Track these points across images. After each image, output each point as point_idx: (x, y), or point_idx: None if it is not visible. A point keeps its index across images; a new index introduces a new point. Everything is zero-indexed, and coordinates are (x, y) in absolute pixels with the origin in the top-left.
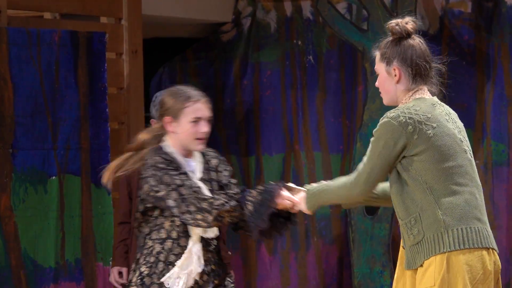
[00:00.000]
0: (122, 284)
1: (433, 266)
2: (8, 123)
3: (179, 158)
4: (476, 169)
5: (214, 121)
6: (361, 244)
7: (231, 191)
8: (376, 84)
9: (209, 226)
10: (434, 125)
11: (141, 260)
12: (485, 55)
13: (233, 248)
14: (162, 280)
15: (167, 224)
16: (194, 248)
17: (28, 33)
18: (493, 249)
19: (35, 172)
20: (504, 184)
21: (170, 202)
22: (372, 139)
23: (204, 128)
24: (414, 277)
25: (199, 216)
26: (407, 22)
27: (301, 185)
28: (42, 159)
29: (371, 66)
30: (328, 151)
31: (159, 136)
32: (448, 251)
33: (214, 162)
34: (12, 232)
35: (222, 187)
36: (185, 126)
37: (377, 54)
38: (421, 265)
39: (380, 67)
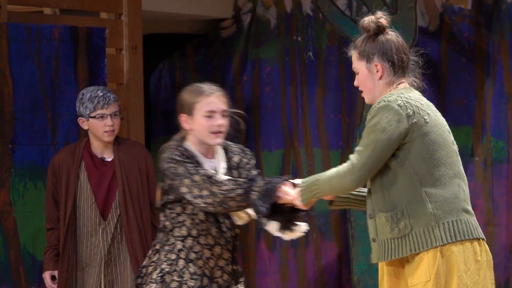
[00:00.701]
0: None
1: (426, 261)
2: (7, 118)
3: (199, 157)
4: (460, 161)
5: None
6: (360, 240)
7: (240, 179)
8: (355, 83)
9: (215, 211)
10: (428, 111)
11: (162, 257)
12: (485, 52)
13: None
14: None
15: (188, 222)
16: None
17: (28, 29)
18: (483, 239)
19: (35, 168)
20: (504, 181)
21: (183, 189)
22: (368, 124)
23: (219, 121)
24: (393, 267)
25: (209, 200)
26: (380, 17)
27: None
28: (42, 155)
29: None
30: (328, 147)
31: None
32: (441, 245)
33: (236, 159)
34: (11, 227)
35: None
36: (199, 121)
37: (354, 53)
38: (407, 261)
39: (359, 65)
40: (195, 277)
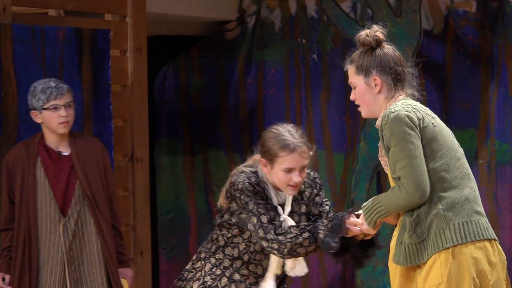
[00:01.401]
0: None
1: (438, 263)
2: (12, 119)
3: (271, 189)
4: (467, 163)
5: (218, 119)
6: None
7: (304, 223)
8: (352, 97)
9: (283, 257)
10: (433, 116)
11: (207, 269)
12: (489, 55)
13: None
14: None
15: (242, 246)
16: (267, 285)
17: (32, 30)
18: (495, 240)
19: None
20: (508, 184)
21: (250, 226)
22: (390, 143)
23: (297, 178)
24: (411, 272)
25: (275, 245)
26: (376, 31)
27: None
28: None
29: None
30: (332, 150)
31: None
32: (452, 246)
33: (307, 193)
34: None
35: (309, 218)
36: (278, 173)
37: (351, 68)
38: (419, 266)
39: (357, 79)
40: None
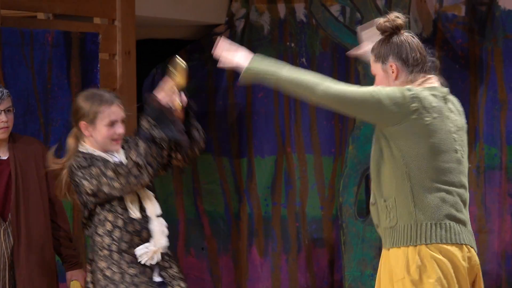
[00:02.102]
0: None
1: (405, 257)
2: None
3: (101, 154)
4: (465, 170)
5: (207, 123)
6: (352, 247)
7: (133, 146)
8: (375, 85)
9: (149, 180)
10: (435, 115)
11: (96, 258)
12: (478, 59)
13: (224, 250)
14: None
15: (110, 216)
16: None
17: (21, 33)
18: (466, 245)
19: None
20: (496, 188)
21: (105, 188)
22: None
23: (120, 129)
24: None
25: (133, 181)
26: (396, 17)
27: (293, 187)
28: None
29: (364, 69)
30: (320, 154)
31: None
32: (418, 245)
33: (125, 146)
34: None
35: None
36: (101, 130)
37: (372, 56)
38: (391, 248)
39: (376, 67)
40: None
